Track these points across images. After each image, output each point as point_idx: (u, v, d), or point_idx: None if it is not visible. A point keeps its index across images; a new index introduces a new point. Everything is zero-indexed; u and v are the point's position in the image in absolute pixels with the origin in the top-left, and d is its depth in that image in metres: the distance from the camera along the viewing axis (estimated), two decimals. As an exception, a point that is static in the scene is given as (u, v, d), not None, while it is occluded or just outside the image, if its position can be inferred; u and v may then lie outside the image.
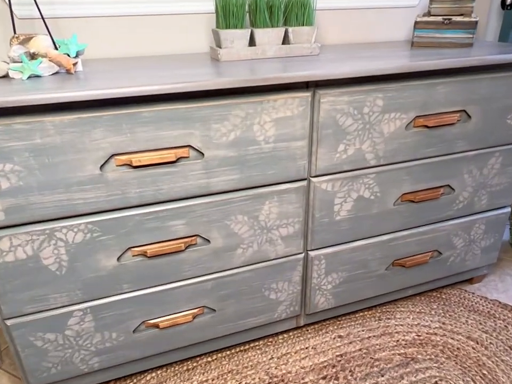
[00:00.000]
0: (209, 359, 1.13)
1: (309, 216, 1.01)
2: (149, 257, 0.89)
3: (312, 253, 1.05)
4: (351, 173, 0.99)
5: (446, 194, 1.13)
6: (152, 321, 0.96)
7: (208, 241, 0.93)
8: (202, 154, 0.84)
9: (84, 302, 0.89)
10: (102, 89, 0.71)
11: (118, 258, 0.87)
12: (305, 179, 0.96)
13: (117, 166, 0.79)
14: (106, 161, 0.78)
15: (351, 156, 0.96)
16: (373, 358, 1.12)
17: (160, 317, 0.97)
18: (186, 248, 0.92)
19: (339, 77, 0.85)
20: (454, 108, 1.01)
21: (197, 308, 1.00)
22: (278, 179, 0.92)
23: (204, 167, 0.85)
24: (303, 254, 1.05)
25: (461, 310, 1.28)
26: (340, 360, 1.12)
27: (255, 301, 1.05)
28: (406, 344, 1.16)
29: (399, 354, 1.13)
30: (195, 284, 0.96)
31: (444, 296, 1.34)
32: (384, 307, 1.30)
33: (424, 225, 1.15)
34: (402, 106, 0.95)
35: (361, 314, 1.27)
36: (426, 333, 1.20)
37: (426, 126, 1.00)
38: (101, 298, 0.90)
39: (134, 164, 0.78)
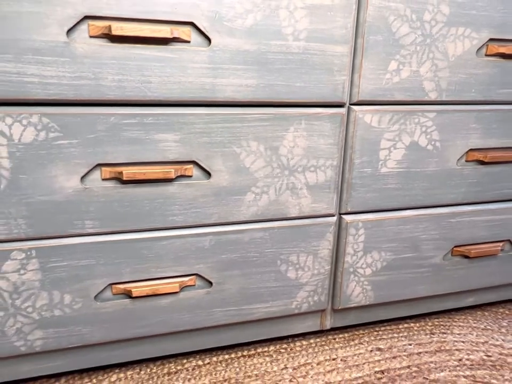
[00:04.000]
0: (199, 362, 0.82)
1: (346, 161, 0.75)
2: (124, 181, 0.64)
3: (347, 217, 0.78)
4: (405, 106, 0.75)
5: (523, 160, 0.86)
6: (122, 286, 0.69)
7: (209, 173, 0.68)
8: (209, 40, 0.62)
9: (28, 240, 0.64)
10: None
11: (82, 178, 0.63)
12: (343, 105, 0.73)
13: (91, 36, 0.58)
14: (76, 25, 0.57)
15: (405, 80, 0.73)
16: (427, 379, 0.80)
17: (134, 281, 0.70)
18: (177, 177, 0.67)
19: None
20: (538, 37, 0.78)
21: (187, 276, 0.73)
22: (307, 97, 0.69)
23: (210, 60, 0.63)
24: (335, 218, 0.78)
25: (541, 331, 0.95)
26: (381, 378, 0.80)
27: (267, 278, 0.77)
28: (472, 365, 0.84)
29: (464, 376, 0.81)
30: (187, 236, 0.70)
31: (515, 314, 1.02)
32: (436, 320, 0.98)
33: (494, 201, 0.88)
34: (473, 21, 0.73)
35: (405, 326, 0.96)
36: (499, 354, 0.87)
37: (503, 56, 0.77)
38: (52, 237, 0.64)
39: (114, 33, 0.57)
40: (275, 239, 0.75)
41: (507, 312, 1.02)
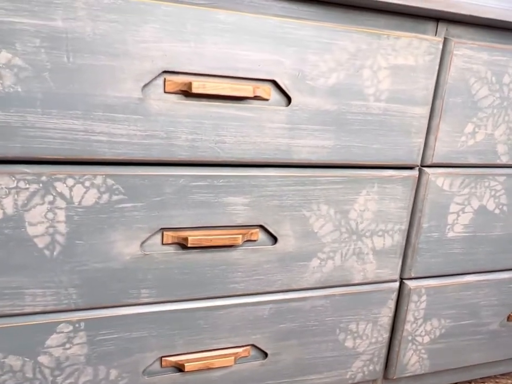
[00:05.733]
0: None
1: (413, 225, 0.71)
2: (187, 248, 0.58)
3: (410, 283, 0.73)
4: (477, 169, 0.71)
5: None
6: (173, 359, 0.62)
7: (275, 238, 0.63)
8: (289, 99, 0.58)
9: (77, 310, 0.57)
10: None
11: (142, 244, 0.57)
12: (416, 166, 0.68)
13: (167, 92, 0.53)
14: (152, 80, 0.52)
15: (479, 143, 0.69)
16: None
17: (187, 353, 0.63)
18: (243, 243, 0.61)
19: (483, 15, 0.61)
20: None
21: (242, 347, 0.66)
22: (382, 159, 0.64)
23: (288, 120, 0.58)
24: (397, 283, 0.73)
25: None
26: None
27: (324, 347, 0.71)
28: None
29: None
30: (246, 305, 0.64)
31: (561, 379, 0.97)
32: (483, 385, 0.93)
33: (553, 265, 0.84)
34: (550, 85, 0.70)
35: (453, 391, 0.91)
36: (557, 429, 0.82)
37: None
38: (104, 307, 0.58)
39: (195, 90, 0.52)
40: (336, 306, 0.69)
41: (553, 376, 0.98)
